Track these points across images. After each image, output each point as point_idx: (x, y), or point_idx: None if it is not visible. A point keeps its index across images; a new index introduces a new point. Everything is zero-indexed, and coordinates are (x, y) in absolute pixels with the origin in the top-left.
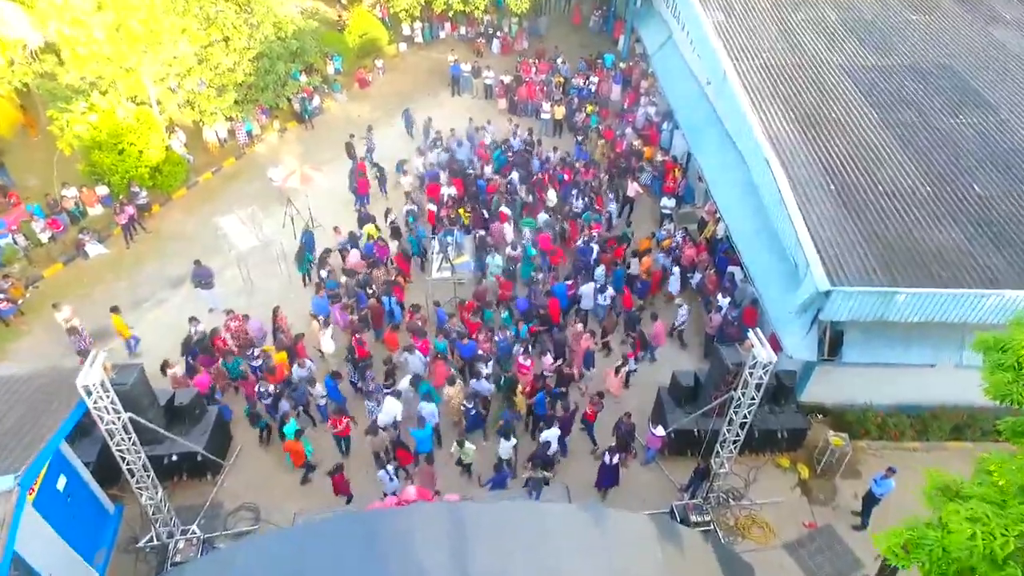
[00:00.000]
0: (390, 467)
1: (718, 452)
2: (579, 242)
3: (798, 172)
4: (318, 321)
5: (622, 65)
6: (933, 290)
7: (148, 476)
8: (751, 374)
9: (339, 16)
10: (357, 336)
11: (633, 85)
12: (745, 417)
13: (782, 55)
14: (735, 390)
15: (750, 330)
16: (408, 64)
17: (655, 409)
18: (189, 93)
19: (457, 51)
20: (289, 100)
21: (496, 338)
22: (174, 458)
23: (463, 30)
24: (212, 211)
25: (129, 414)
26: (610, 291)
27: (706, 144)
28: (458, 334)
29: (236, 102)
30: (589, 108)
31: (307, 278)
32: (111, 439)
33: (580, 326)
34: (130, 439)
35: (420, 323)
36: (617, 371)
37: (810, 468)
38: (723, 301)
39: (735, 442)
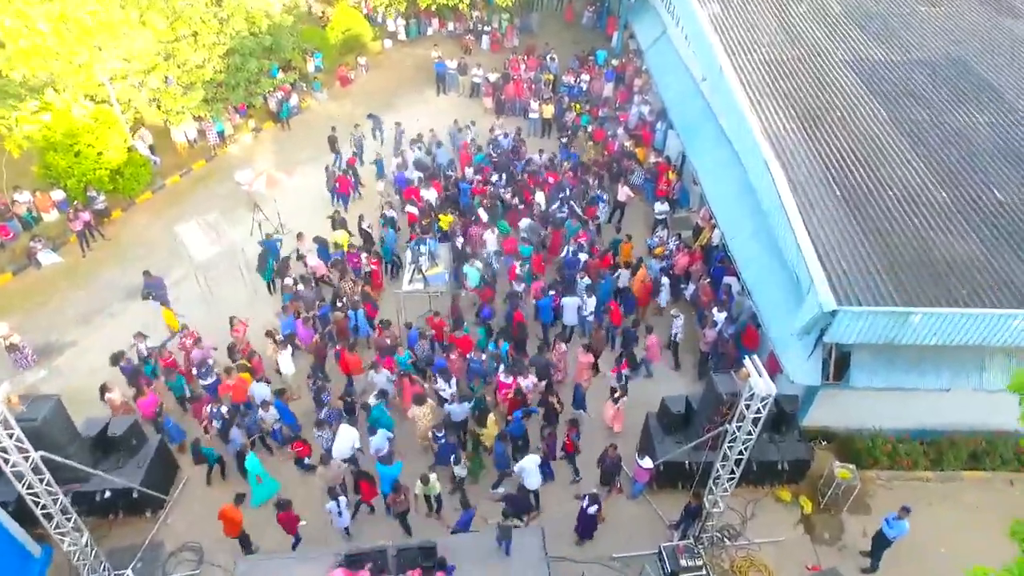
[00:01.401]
0: (342, 499)
1: (711, 489)
2: (564, 253)
3: (799, 174)
4: (274, 340)
5: (615, 62)
6: (952, 310)
7: (69, 519)
8: (748, 407)
9: (323, 12)
10: (321, 356)
11: (626, 83)
12: (741, 453)
13: (782, 49)
14: (730, 423)
15: (747, 356)
16: (393, 61)
17: (643, 437)
18: (154, 91)
19: (445, 48)
20: (265, 99)
21: (469, 356)
22: (107, 495)
23: (451, 26)
24: (178, 216)
25: (41, 452)
26: (591, 302)
27: (701, 144)
28: (428, 354)
29: (205, 101)
30: (576, 107)
31: (271, 287)
32: (18, 481)
33: (564, 346)
34: (43, 480)
35: (388, 341)
36: (616, 400)
37: (814, 502)
38: (718, 316)
39: (730, 479)
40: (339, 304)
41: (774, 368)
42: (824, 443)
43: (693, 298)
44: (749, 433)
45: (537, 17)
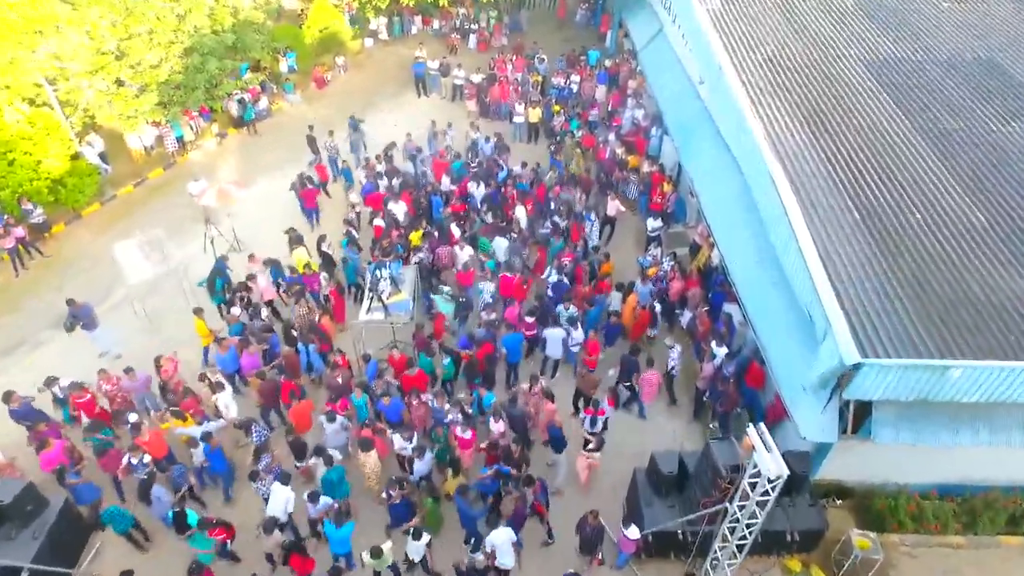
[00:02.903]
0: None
1: (709, 572)
2: (548, 275)
3: (811, 192)
4: (209, 384)
5: (608, 63)
6: (1000, 363)
7: None
8: (752, 486)
9: (300, 10)
10: (269, 398)
11: (620, 85)
12: (743, 538)
13: (789, 47)
14: (730, 502)
15: (750, 426)
16: (374, 61)
17: (629, 496)
18: (103, 93)
19: (430, 47)
20: (223, 101)
21: (430, 402)
22: None
23: (436, 24)
24: (128, 230)
25: None
26: (579, 334)
27: (698, 153)
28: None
29: (162, 104)
30: (557, 108)
31: (222, 311)
32: None
33: (535, 387)
34: None
35: (341, 381)
36: (587, 450)
37: (828, 573)
38: (718, 350)
39: (730, 564)
40: (293, 334)
41: (780, 414)
42: (838, 501)
43: (689, 327)
44: (753, 516)
45: (527, 15)
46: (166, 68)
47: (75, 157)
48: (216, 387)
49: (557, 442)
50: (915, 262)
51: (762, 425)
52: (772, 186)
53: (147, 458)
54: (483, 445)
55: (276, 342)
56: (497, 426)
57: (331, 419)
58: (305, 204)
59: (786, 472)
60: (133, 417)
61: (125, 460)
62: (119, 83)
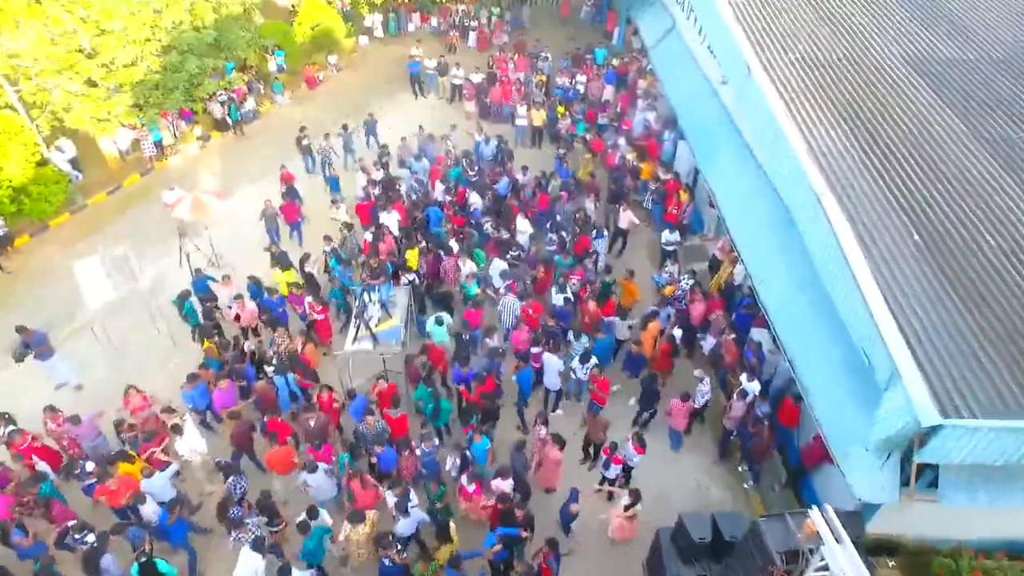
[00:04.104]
0: None
1: None
2: (553, 297)
3: (862, 209)
4: (171, 426)
5: (616, 62)
6: None
7: None
8: None
9: (292, 6)
10: (242, 441)
11: (629, 85)
12: None
13: (824, 45)
14: None
15: (812, 509)
16: (368, 60)
17: (651, 563)
18: (71, 94)
19: (428, 46)
20: (205, 103)
21: (420, 449)
22: None
23: (434, 22)
24: (100, 242)
25: None
26: (591, 365)
27: (719, 160)
28: (375, 438)
29: (137, 105)
30: (561, 110)
31: (194, 334)
32: None
33: (544, 430)
34: None
35: (320, 425)
36: (627, 509)
37: None
38: (750, 386)
39: None
40: (272, 362)
41: (818, 457)
42: (891, 562)
43: (712, 355)
44: None
45: (529, 11)
46: (142, 67)
47: (42, 163)
48: (176, 430)
49: (566, 523)
50: (991, 294)
51: (829, 510)
52: (816, 202)
53: (89, 536)
54: (489, 502)
55: (252, 374)
56: (503, 484)
57: (312, 469)
58: (286, 219)
59: (865, 573)
60: (90, 466)
61: (64, 527)
62: (91, 83)
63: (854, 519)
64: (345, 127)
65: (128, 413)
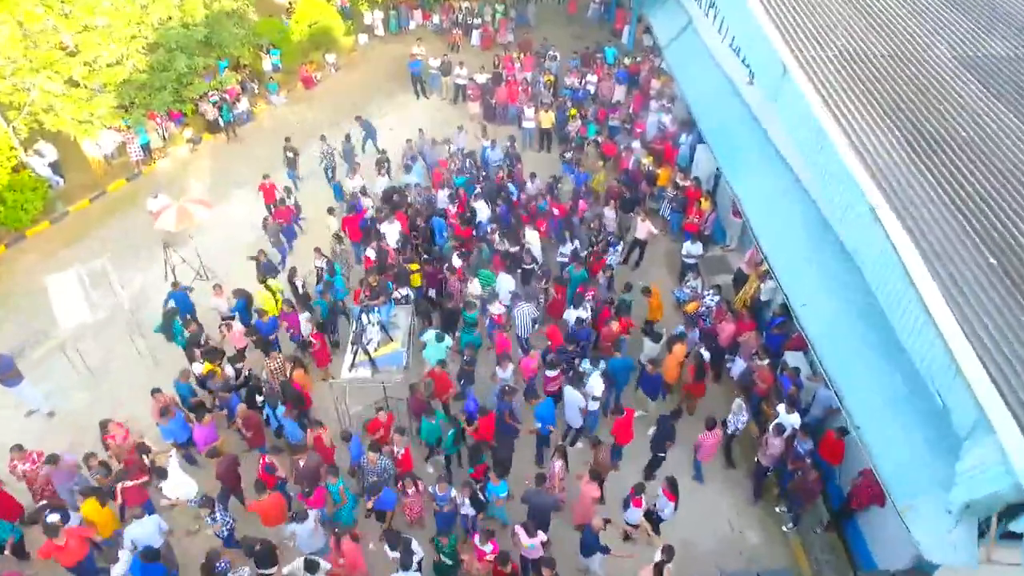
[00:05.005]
0: None
1: None
2: (568, 314)
3: (922, 224)
4: (146, 466)
5: (627, 61)
6: None
7: None
8: None
9: (290, 3)
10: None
11: (641, 86)
12: None
13: (865, 40)
14: None
15: None
16: (368, 59)
17: None
18: (50, 95)
19: (430, 45)
20: (197, 103)
21: (432, 489)
22: None
23: (436, 19)
24: (81, 252)
25: None
26: (596, 386)
27: (746, 165)
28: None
29: (122, 106)
30: (573, 112)
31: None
32: None
33: (560, 464)
34: None
35: (311, 466)
36: (658, 567)
37: None
38: (788, 419)
39: None
40: (262, 391)
41: (867, 498)
42: None
43: (743, 380)
44: None
45: (535, 9)
46: (127, 66)
47: (18, 168)
48: (159, 473)
49: (588, 548)
50: None
51: None
52: (871, 216)
53: None
54: (506, 571)
55: (236, 402)
56: (534, 540)
57: (301, 519)
58: (283, 221)
59: None
60: (53, 517)
61: None
62: (72, 83)
63: None
64: (348, 137)
65: (108, 452)
